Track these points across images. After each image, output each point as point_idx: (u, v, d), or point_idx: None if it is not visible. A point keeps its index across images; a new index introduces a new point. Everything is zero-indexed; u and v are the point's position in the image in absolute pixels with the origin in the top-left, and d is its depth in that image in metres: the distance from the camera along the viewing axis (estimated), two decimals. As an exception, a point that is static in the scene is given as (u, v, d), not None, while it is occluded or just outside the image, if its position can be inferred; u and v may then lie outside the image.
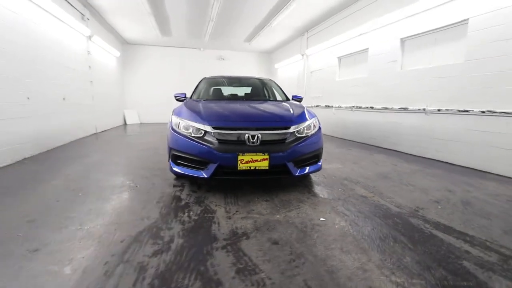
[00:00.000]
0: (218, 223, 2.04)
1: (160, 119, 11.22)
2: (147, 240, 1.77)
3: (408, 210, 2.33)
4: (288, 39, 9.77)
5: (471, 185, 3.06)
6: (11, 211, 2.18)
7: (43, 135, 4.45)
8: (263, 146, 2.47)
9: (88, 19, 6.31)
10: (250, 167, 2.43)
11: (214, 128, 2.49)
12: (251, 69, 12.12)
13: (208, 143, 2.46)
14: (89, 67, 6.61)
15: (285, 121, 2.66)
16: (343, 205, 2.44)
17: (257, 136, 2.45)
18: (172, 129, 2.71)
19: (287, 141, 2.56)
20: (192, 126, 2.56)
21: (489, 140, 3.68)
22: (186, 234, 1.87)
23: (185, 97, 3.85)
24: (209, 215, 2.18)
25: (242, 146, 2.45)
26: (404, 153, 4.96)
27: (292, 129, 2.60)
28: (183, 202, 2.44)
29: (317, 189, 2.88)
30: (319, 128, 2.89)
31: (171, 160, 2.69)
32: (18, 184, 2.84)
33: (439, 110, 4.34)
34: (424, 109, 4.60)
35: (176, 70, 11.17)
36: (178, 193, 2.67)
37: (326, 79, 7.84)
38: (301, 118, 2.77)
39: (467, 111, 3.92)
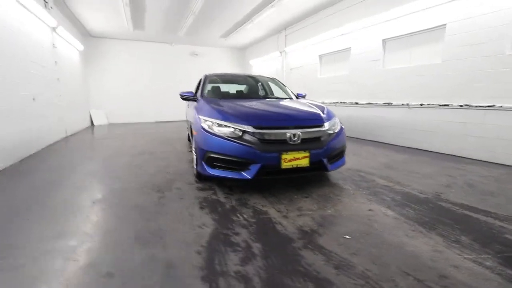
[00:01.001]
0: (280, 223, 2.04)
1: (132, 119, 10.41)
2: (224, 248, 1.69)
3: (432, 195, 2.62)
4: (265, 36, 9.85)
5: (462, 169, 3.55)
6: None
7: (11, 143, 3.80)
8: (303, 144, 2.52)
9: (51, 8, 5.51)
10: (292, 165, 2.46)
11: (256, 128, 2.46)
12: (225, 66, 11.92)
13: (249, 143, 2.42)
14: (55, 62, 5.79)
15: (320, 119, 2.74)
16: (376, 195, 2.64)
17: (298, 134, 2.49)
18: (205, 130, 2.58)
19: (322, 138, 2.66)
20: (229, 127, 2.48)
21: (465, 130, 4.28)
22: (257, 237, 1.83)
23: (194, 95, 3.67)
24: (264, 216, 2.17)
25: (284, 145, 2.47)
26: (389, 144, 5.46)
27: (326, 126, 2.71)
28: (227, 206, 2.37)
29: (343, 182, 3.04)
30: (341, 125, 3.04)
31: (206, 163, 2.57)
32: None
33: (421, 104, 4.88)
34: (407, 104, 5.13)
35: (146, 66, 10.42)
36: (214, 197, 2.57)
37: (307, 76, 8.14)
38: (329, 115, 2.88)
39: (447, 105, 4.49)
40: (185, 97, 3.77)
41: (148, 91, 10.57)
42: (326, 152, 2.64)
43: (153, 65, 10.52)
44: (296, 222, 2.06)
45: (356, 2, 5.99)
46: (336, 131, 2.83)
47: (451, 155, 4.41)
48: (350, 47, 6.43)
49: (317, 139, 2.62)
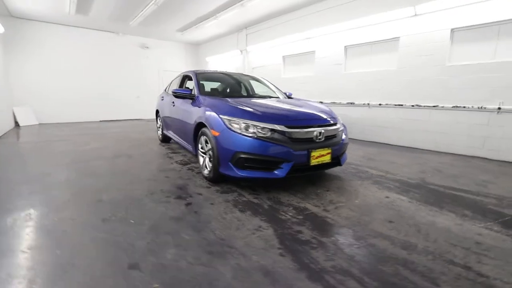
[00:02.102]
0: (327, 216, 2.15)
1: (70, 118, 8.84)
2: (302, 247, 1.71)
3: (419, 180, 3.15)
4: (224, 34, 9.70)
5: (422, 158, 4.32)
6: None
7: None
8: (326, 141, 2.69)
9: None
10: (318, 161, 2.60)
11: (288, 127, 2.49)
12: (178, 61, 11.25)
13: (282, 142, 2.44)
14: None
15: (335, 117, 2.96)
16: (379, 183, 3.01)
17: (322, 132, 2.64)
18: (233, 130, 2.48)
19: (337, 135, 2.87)
20: (259, 127, 2.45)
21: (416, 125, 5.21)
22: (320, 232, 1.90)
23: (191, 93, 3.43)
24: (307, 212, 2.24)
25: (312, 143, 2.58)
26: (354, 139, 6.17)
27: (338, 124, 2.94)
28: (265, 206, 2.34)
29: (344, 175, 3.34)
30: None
31: (235, 164, 2.47)
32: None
33: (380, 104, 5.69)
34: (368, 104, 5.89)
35: (87, 58, 8.96)
36: (244, 198, 2.49)
37: (270, 75, 8.39)
38: (335, 115, 3.13)
39: (401, 105, 5.36)
40: (180, 95, 3.50)
41: (90, 86, 9.13)
42: (341, 148, 2.87)
43: (96, 56, 9.14)
44: (340, 214, 2.21)
45: (321, 9, 6.52)
46: (341, 129, 3.10)
47: (406, 146, 5.30)
48: (314, 51, 6.95)
49: (334, 136, 2.83)
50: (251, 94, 4.04)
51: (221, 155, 2.56)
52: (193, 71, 4.00)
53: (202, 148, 3.03)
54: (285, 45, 7.67)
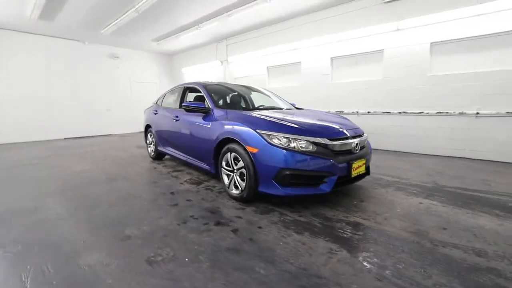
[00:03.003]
0: (384, 230, 2.10)
1: (25, 136, 7.66)
2: (390, 265, 1.61)
3: (433, 184, 3.31)
4: (202, 44, 9.46)
5: (417, 161, 4.62)
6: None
7: None
8: (361, 152, 2.68)
9: None
10: (357, 173, 2.57)
11: (331, 140, 2.41)
12: (150, 72, 10.62)
13: (325, 155, 2.35)
14: None
15: (360, 129, 2.97)
16: (402, 190, 3.09)
17: (358, 143, 2.63)
18: (276, 146, 2.32)
19: (366, 145, 2.90)
20: (301, 140, 2.33)
21: (403, 131, 5.59)
22: (393, 247, 1.83)
23: (205, 107, 3.18)
24: (362, 226, 2.16)
25: (351, 154, 2.54)
26: (344, 146, 6.38)
27: (365, 134, 2.96)
28: (317, 223, 2.21)
29: (366, 183, 3.36)
30: None
31: (279, 182, 2.31)
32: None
33: (368, 112, 6.00)
34: (357, 112, 6.18)
35: (48, 68, 7.92)
36: (289, 218, 2.32)
37: (254, 85, 8.37)
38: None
39: (389, 112, 5.72)
40: (193, 108, 3.23)
41: (54, 99, 8.07)
42: (370, 158, 2.90)
43: (60, 67, 8.13)
44: (394, 225, 2.18)
45: (306, 22, 6.74)
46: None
47: (397, 151, 5.64)
48: (300, 61, 7.12)
49: (365, 147, 2.84)
50: (260, 106, 3.91)
51: (261, 173, 2.38)
52: (199, 83, 3.75)
53: (228, 166, 2.80)
54: (270, 56, 7.73)
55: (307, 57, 6.95)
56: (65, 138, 8.27)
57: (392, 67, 5.60)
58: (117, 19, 6.48)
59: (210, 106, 3.20)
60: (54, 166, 4.48)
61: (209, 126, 3.06)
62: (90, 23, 6.86)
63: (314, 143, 2.36)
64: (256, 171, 2.43)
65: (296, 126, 2.47)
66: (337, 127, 2.70)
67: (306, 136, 2.37)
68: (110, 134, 9.36)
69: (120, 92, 9.66)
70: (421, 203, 2.70)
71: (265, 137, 2.38)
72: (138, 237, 2.00)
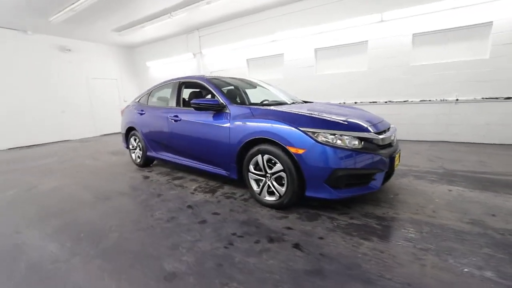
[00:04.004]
0: (440, 223, 2.03)
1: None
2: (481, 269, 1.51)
3: (441, 169, 3.42)
4: (170, 35, 8.63)
5: (409, 148, 4.82)
6: None
7: None
8: (396, 145, 2.58)
9: None
10: (396, 165, 2.47)
11: (377, 134, 2.24)
12: (110, 66, 9.38)
13: (373, 151, 2.19)
14: None
15: (386, 120, 2.87)
16: (421, 178, 3.12)
17: (395, 136, 2.53)
18: (324, 145, 2.06)
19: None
20: (347, 137, 2.12)
21: (390, 119, 5.77)
22: (469, 242, 1.75)
23: (219, 104, 2.76)
24: (426, 222, 2.06)
25: (391, 147, 2.42)
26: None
27: (393, 126, 2.89)
28: (374, 225, 2.04)
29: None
30: None
31: (331, 185, 2.07)
32: None
33: (355, 102, 6.11)
34: (344, 103, 6.24)
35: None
36: (342, 222, 2.11)
37: (234, 80, 7.95)
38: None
39: (375, 102, 5.89)
40: (205, 106, 2.78)
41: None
42: (397, 150, 2.84)
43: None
44: (447, 216, 2.13)
45: (288, 12, 6.52)
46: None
47: (383, 139, 5.85)
48: (283, 53, 6.91)
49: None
50: (264, 101, 3.57)
51: (309, 176, 2.11)
52: (202, 77, 3.28)
53: (258, 170, 2.47)
54: (250, 48, 7.37)
55: (290, 48, 6.77)
56: (9, 149, 6.83)
57: (376, 58, 5.74)
58: (72, 4, 5.44)
59: (224, 103, 2.79)
60: (16, 185, 3.57)
61: (226, 125, 2.67)
62: (35, 9, 5.65)
63: (361, 139, 2.18)
64: (301, 174, 2.15)
65: (342, 121, 2.25)
66: (375, 120, 2.56)
67: (353, 131, 2.17)
68: (68, 140, 8.05)
69: (75, 91, 8.33)
70: (450, 190, 2.73)
71: (311, 135, 2.11)
72: (186, 273, 1.59)
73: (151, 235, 2.07)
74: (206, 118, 2.92)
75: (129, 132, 4.34)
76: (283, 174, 2.26)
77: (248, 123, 2.48)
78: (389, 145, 2.42)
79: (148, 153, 3.96)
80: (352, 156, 2.09)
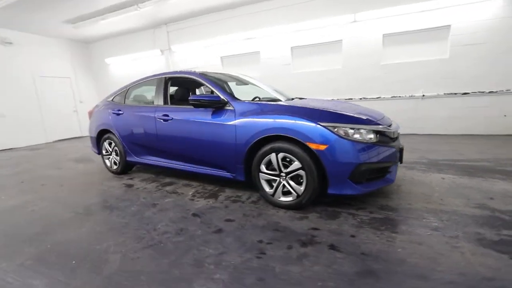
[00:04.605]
0: (460, 210, 2.12)
1: None
2: None
3: (424, 159, 3.65)
4: (134, 29, 7.91)
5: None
6: None
7: None
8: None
9: None
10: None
11: (389, 127, 2.25)
12: (60, 63, 8.25)
13: (388, 144, 2.19)
14: None
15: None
16: (411, 168, 3.28)
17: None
18: (346, 139, 1.99)
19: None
20: (364, 130, 2.09)
21: (364, 115, 6.12)
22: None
23: (220, 100, 2.53)
24: (438, 208, 2.12)
25: (397, 140, 2.47)
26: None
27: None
28: (401, 223, 2.04)
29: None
30: None
31: (355, 180, 2.02)
32: None
33: (332, 99, 6.28)
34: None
35: None
36: (377, 216, 2.08)
37: (207, 78, 7.60)
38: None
39: (351, 99, 6.13)
40: (205, 103, 2.52)
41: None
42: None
43: None
44: (455, 203, 2.23)
45: (264, 9, 6.44)
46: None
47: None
48: (259, 51, 6.82)
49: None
50: (255, 98, 3.39)
51: (332, 173, 2.02)
52: (195, 72, 2.99)
53: (270, 170, 2.31)
54: (224, 45, 7.11)
55: (266, 46, 6.71)
56: None
57: (350, 57, 5.99)
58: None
59: (226, 99, 2.57)
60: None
61: (231, 123, 2.45)
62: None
63: (376, 132, 2.17)
64: (322, 171, 2.06)
65: (357, 115, 2.21)
66: (379, 115, 2.59)
67: (369, 125, 2.15)
68: (12, 148, 6.83)
69: (20, 91, 7.11)
70: (443, 178, 2.91)
71: (331, 129, 2.03)
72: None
73: (163, 252, 1.77)
74: (203, 116, 2.66)
75: (101, 135, 3.80)
76: (301, 172, 2.14)
77: (258, 119, 2.30)
78: (396, 138, 2.48)
79: (128, 159, 3.51)
80: (371, 150, 2.07)
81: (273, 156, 2.25)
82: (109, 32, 7.98)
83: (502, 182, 2.67)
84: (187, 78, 3.02)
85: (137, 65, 8.50)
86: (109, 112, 3.63)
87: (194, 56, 7.65)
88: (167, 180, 3.39)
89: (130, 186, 3.26)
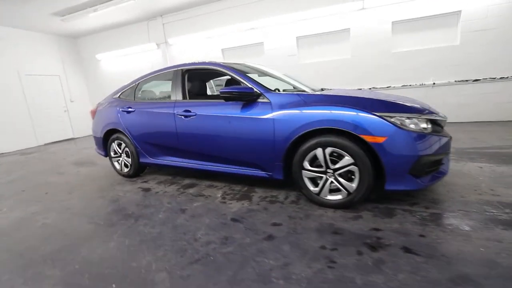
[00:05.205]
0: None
1: None
2: None
3: (451, 149, 3.58)
4: (125, 22, 7.45)
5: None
6: None
7: None
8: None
9: None
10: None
11: (440, 116, 2.09)
12: (48, 60, 7.69)
13: (441, 133, 2.04)
14: None
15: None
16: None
17: (441, 117, 2.44)
18: (406, 130, 1.82)
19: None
20: (421, 120, 1.91)
21: (373, 105, 6.00)
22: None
23: (253, 92, 2.29)
24: (495, 200, 2.00)
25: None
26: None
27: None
28: (467, 218, 1.90)
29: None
30: None
31: (415, 174, 1.86)
32: None
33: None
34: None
35: None
36: (426, 214, 1.92)
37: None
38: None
39: (360, 88, 5.99)
40: (237, 95, 2.29)
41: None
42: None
43: None
44: (506, 193, 2.12)
45: (267, -2, 6.16)
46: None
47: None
48: (262, 42, 6.55)
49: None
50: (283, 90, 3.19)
51: (391, 167, 1.84)
52: (219, 63, 2.71)
53: (315, 166, 2.11)
54: (225, 36, 6.79)
55: (270, 37, 6.44)
56: None
57: (359, 46, 5.82)
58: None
59: (259, 91, 2.33)
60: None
61: (268, 117, 2.23)
62: None
63: (431, 121, 2.01)
64: (381, 165, 1.88)
65: (410, 104, 2.04)
66: (419, 102, 2.43)
67: (423, 114, 1.98)
68: (1, 153, 6.33)
69: (5, 91, 6.57)
70: (480, 167, 2.81)
71: (388, 119, 1.85)
72: None
73: (216, 267, 1.55)
74: (233, 110, 2.42)
75: (108, 136, 3.48)
76: (353, 168, 1.96)
77: (303, 111, 2.09)
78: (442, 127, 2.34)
79: (142, 160, 3.23)
80: (430, 140, 1.90)
81: (319, 151, 2.05)
82: (100, 25, 7.48)
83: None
84: (209, 69, 2.75)
85: (130, 60, 8.05)
86: (117, 110, 3.31)
87: (193, 49, 7.29)
88: (187, 181, 3.14)
89: (147, 190, 2.99)
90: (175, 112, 2.77)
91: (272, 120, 2.21)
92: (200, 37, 6.98)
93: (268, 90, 2.36)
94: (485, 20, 4.96)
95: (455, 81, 5.34)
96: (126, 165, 3.42)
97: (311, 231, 1.84)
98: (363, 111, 1.90)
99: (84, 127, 8.16)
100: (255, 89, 2.33)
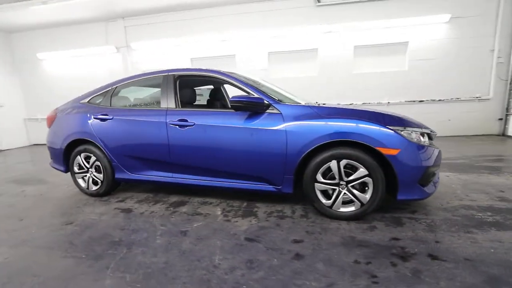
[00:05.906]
0: (497, 204, 2.31)
1: None
2: None
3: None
4: (79, 20, 6.63)
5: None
6: None
7: None
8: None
9: None
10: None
11: (431, 129, 2.31)
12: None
13: (434, 146, 2.25)
14: None
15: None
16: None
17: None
18: (414, 143, 1.96)
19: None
20: (418, 133, 2.10)
21: (338, 120, 6.46)
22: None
23: (263, 103, 2.20)
24: (479, 204, 2.26)
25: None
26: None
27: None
28: (468, 222, 2.09)
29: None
30: None
31: (423, 184, 1.99)
32: None
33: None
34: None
35: None
36: (429, 221, 2.06)
37: (175, 81, 6.87)
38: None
39: (324, 104, 6.39)
40: (248, 104, 2.16)
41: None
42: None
43: None
44: (481, 199, 2.44)
45: (241, 12, 6.22)
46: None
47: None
48: (234, 54, 6.54)
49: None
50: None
51: (404, 178, 1.94)
52: (220, 71, 2.55)
53: (327, 179, 2.10)
54: (195, 45, 6.58)
55: (243, 50, 6.50)
56: None
57: (325, 65, 6.29)
58: None
59: (268, 102, 2.26)
60: None
61: (279, 128, 2.16)
62: None
63: (427, 134, 2.22)
64: (394, 176, 1.97)
65: (409, 119, 2.22)
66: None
67: (421, 128, 2.17)
68: None
69: None
70: (447, 176, 3.21)
71: (399, 132, 1.97)
72: None
73: (251, 295, 1.37)
74: (238, 121, 2.29)
75: (71, 147, 2.93)
76: (367, 179, 2.01)
77: (317, 123, 2.08)
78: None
79: (118, 176, 2.78)
80: (431, 152, 2.09)
81: (333, 164, 2.06)
82: (44, 21, 6.48)
83: (493, 176, 3.10)
84: (207, 76, 2.57)
85: (83, 63, 7.12)
86: (87, 117, 2.82)
87: (159, 56, 6.85)
88: (174, 199, 2.80)
89: (128, 210, 2.56)
90: (167, 121, 2.48)
91: (285, 131, 2.16)
92: (168, 44, 6.62)
93: (277, 101, 2.31)
94: (427, 51, 5.90)
95: (405, 101, 6.15)
96: (95, 182, 2.90)
97: (337, 245, 1.80)
98: (378, 124, 2.00)
99: (17, 137, 6.79)
100: (265, 100, 2.26)
